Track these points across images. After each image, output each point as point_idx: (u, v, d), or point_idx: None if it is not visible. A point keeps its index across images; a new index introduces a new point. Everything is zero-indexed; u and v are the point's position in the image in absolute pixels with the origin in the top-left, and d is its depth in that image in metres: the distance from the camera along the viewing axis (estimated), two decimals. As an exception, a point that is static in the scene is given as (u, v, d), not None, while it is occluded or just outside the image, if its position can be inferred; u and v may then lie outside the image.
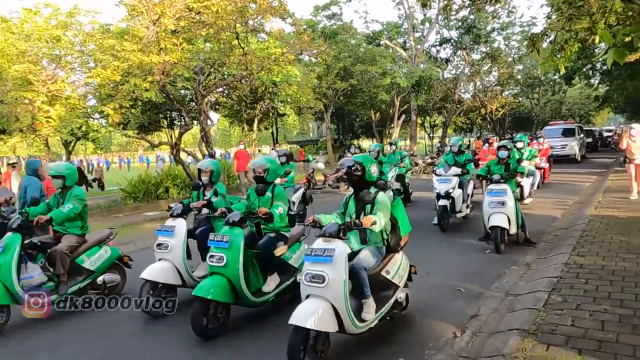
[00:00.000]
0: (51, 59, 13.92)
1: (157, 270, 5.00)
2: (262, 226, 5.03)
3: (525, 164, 9.56)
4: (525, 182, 9.85)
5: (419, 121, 39.73)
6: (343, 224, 3.80)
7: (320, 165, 18.70)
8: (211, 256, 4.45)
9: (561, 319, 4.05)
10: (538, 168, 12.62)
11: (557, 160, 20.03)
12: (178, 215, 5.35)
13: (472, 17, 24.71)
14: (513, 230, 6.91)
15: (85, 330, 4.83)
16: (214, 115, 27.28)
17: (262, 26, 14.62)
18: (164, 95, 12.48)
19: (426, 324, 4.46)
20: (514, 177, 7.32)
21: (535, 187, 11.35)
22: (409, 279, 4.51)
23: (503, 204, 6.78)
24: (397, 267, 4.24)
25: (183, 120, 13.87)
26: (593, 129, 36.57)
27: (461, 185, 8.72)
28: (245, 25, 13.38)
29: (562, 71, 9.76)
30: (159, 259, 5.14)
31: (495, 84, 34.62)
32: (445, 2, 8.28)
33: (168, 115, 20.69)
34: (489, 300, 4.99)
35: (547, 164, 14.27)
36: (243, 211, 4.85)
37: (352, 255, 4.03)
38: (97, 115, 13.47)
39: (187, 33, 12.44)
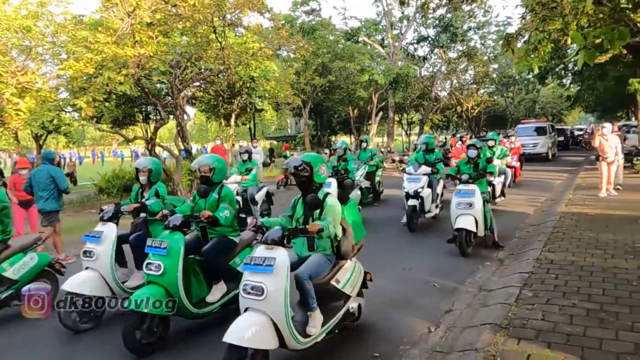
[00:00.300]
0: (21, 50, 13.48)
1: (81, 281, 4.54)
2: (208, 230, 4.64)
3: (496, 162, 9.41)
4: (497, 182, 9.61)
5: (397, 118, 40.07)
6: (287, 230, 3.51)
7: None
8: (148, 264, 4.07)
9: (532, 314, 4.15)
10: (509, 167, 12.57)
11: (529, 159, 20.33)
12: (109, 220, 4.90)
13: (449, 15, 24.99)
14: (481, 232, 6.73)
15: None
16: (190, 110, 26.96)
17: (240, 20, 14.47)
18: (139, 89, 12.24)
19: (401, 319, 4.50)
20: (484, 177, 7.07)
21: (506, 186, 11.21)
22: (364, 286, 4.25)
23: (470, 205, 6.56)
24: (348, 276, 3.96)
25: (158, 114, 13.63)
26: (565, 127, 37.41)
27: (430, 185, 8.53)
28: (223, 19, 13.22)
29: (536, 71, 9.99)
30: (85, 268, 4.69)
31: (471, 83, 35.17)
32: (423, 0, 8.31)
33: (143, 109, 20.31)
34: (463, 295, 5.08)
35: (519, 163, 14.21)
36: (187, 214, 4.50)
37: (300, 263, 3.75)
38: (69, 109, 13.13)
39: (163, 26, 12.21)
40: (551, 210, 9.30)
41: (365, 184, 11.06)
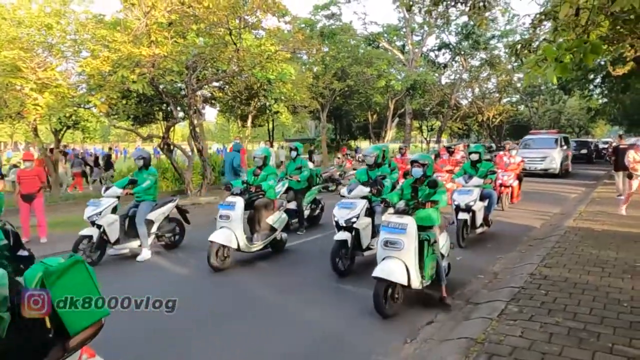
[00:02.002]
0: (44, 46, 13.88)
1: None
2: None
3: (475, 182, 7.98)
4: (477, 207, 7.84)
5: (417, 125, 39.82)
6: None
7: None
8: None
9: (511, 330, 4.05)
10: (504, 186, 11.19)
11: (535, 174, 19.20)
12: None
13: (471, 23, 24.71)
14: (415, 284, 4.75)
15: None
16: (210, 110, 27.24)
17: (259, 22, 14.62)
18: (153, 88, 12.46)
19: (380, 328, 4.46)
20: (423, 208, 5.07)
21: (491, 212, 8.41)
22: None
23: (398, 245, 4.70)
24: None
25: (172, 113, 13.85)
26: (589, 140, 36.27)
27: (371, 212, 6.59)
28: (239, 20, 13.37)
29: (554, 82, 9.78)
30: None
31: (493, 91, 34.68)
32: (427, 8, 8.24)
33: (163, 108, 20.68)
34: (448, 307, 4.99)
35: (517, 182, 12.03)
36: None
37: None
38: (87, 105, 13.45)
39: (178, 27, 12.41)
40: (558, 225, 9.08)
41: (290, 205, 8.85)
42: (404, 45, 28.39)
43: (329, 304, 5.23)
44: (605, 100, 25.70)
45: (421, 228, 4.98)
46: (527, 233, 8.73)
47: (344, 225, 6.19)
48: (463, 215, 7.67)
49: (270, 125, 29.97)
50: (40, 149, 14.90)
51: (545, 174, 19.58)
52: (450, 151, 13.41)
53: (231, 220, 6.49)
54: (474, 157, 8.48)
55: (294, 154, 9.30)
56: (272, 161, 8.91)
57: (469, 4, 9.46)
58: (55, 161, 15.19)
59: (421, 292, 5.12)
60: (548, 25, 11.33)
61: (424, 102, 29.15)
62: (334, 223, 6.35)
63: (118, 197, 7.23)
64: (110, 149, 29.55)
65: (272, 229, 7.25)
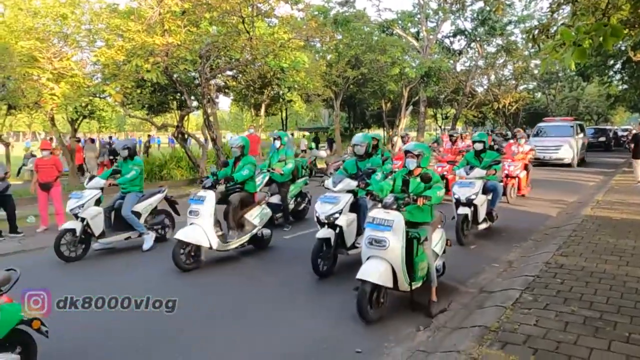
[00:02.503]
0: (59, 36, 13.98)
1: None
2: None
3: (477, 173, 7.35)
4: (479, 201, 7.22)
5: (431, 113, 39.38)
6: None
7: (322, 153, 18.58)
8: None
9: (526, 318, 4.02)
10: (510, 177, 10.58)
11: (549, 164, 18.45)
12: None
13: (487, 8, 24.23)
14: (402, 285, 4.35)
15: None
16: (224, 99, 27.33)
17: (272, 10, 14.51)
18: (167, 77, 12.50)
19: (392, 316, 4.45)
20: (415, 204, 4.50)
21: (495, 206, 7.77)
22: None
23: (383, 244, 4.19)
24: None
25: (185, 103, 13.90)
26: (607, 127, 35.50)
27: (356, 208, 6.02)
28: (252, 8, 13.29)
29: (573, 67, 9.58)
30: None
31: (510, 78, 34.08)
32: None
33: (177, 97, 20.79)
34: (461, 295, 4.98)
35: (525, 172, 11.36)
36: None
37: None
38: (102, 95, 13.57)
39: (192, 15, 12.40)
40: (575, 213, 8.95)
41: (273, 199, 8.38)
42: (418, 32, 27.93)
43: (312, 305, 4.94)
44: (625, 86, 25.08)
45: (412, 225, 4.59)
46: (543, 222, 8.62)
47: (325, 221, 5.65)
48: (463, 210, 7.05)
49: (284, 114, 29.91)
50: (57, 138, 15.09)
51: (560, 165, 18.64)
52: (452, 139, 12.35)
53: (200, 216, 6.01)
54: (478, 146, 7.79)
55: (277, 143, 8.61)
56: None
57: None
58: (72, 150, 15.39)
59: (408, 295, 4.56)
60: (567, 9, 11.10)
61: (438, 90, 28.71)
62: (315, 219, 5.82)
63: (102, 189, 6.97)
64: (149, 136, 30.28)
65: (252, 225, 6.72)
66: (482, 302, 4.66)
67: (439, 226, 5.13)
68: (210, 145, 16.24)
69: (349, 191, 5.93)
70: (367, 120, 39.94)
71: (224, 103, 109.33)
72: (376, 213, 4.39)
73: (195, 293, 5.32)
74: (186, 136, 15.30)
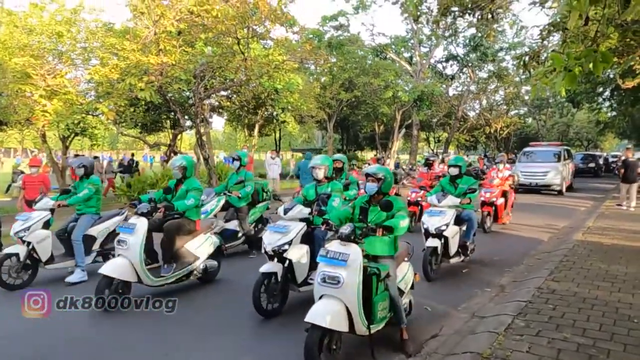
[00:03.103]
0: (54, 54, 14.03)
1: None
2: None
3: (448, 201, 6.69)
4: (450, 233, 6.43)
5: (424, 136, 39.75)
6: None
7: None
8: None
9: (518, 345, 3.95)
10: (486, 204, 9.96)
11: (535, 191, 17.84)
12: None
13: (479, 34, 24.73)
14: (361, 330, 3.76)
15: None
16: (217, 119, 27.46)
17: (268, 32, 14.71)
18: (161, 96, 12.53)
19: (383, 343, 4.36)
20: (373, 235, 3.96)
21: (470, 238, 6.95)
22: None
23: (337, 281, 3.63)
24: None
25: (178, 122, 13.93)
26: (597, 153, 35.87)
27: (310, 239, 5.31)
28: (247, 30, 13.45)
29: (563, 94, 9.72)
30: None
31: (501, 103, 34.59)
32: (435, 18, 8.22)
33: (171, 116, 20.86)
34: (453, 320, 4.90)
35: (503, 199, 10.49)
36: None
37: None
38: (95, 112, 13.55)
39: (187, 36, 12.51)
40: (566, 238, 8.95)
41: (230, 226, 7.68)
42: (411, 57, 28.42)
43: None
44: (614, 113, 25.56)
45: (373, 258, 4.13)
46: (535, 246, 8.60)
47: (272, 254, 4.98)
48: (432, 242, 6.30)
49: (277, 135, 30.06)
50: (47, 155, 15.00)
51: (547, 192, 17.94)
52: (428, 163, 11.35)
53: (129, 247, 5.20)
54: (453, 171, 7.08)
55: (236, 164, 7.95)
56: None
57: (476, 15, 9.47)
58: (63, 168, 15.28)
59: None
60: (557, 37, 11.33)
61: (431, 114, 29.07)
62: (263, 250, 5.09)
63: (52, 210, 6.27)
64: (132, 155, 30.33)
65: (193, 257, 5.89)
66: (474, 328, 4.58)
67: (406, 259, 4.66)
68: (202, 165, 16.22)
69: (302, 219, 5.30)
70: (360, 142, 40.26)
71: (218, 123, 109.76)
72: (330, 245, 3.85)
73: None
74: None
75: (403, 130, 28.49)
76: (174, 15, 11.28)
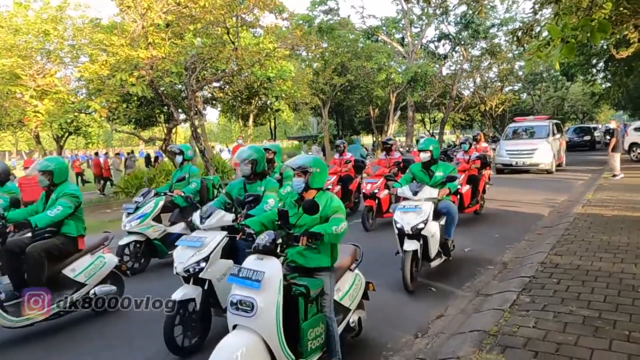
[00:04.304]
0: (42, 53, 13.86)
1: None
2: None
3: (426, 193, 5.56)
4: (430, 231, 5.36)
5: (419, 117, 39.64)
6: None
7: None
8: None
9: (524, 321, 3.96)
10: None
11: (522, 171, 16.45)
12: None
13: (470, 12, 24.53)
14: None
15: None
16: (211, 111, 27.39)
17: (257, 20, 14.54)
18: (153, 90, 12.41)
19: (389, 324, 4.37)
20: (295, 245, 3.17)
21: (451, 235, 5.87)
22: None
23: (250, 308, 2.85)
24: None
25: (171, 115, 13.84)
26: (591, 126, 35.47)
27: (234, 250, 4.34)
28: (236, 19, 13.30)
29: (557, 67, 9.66)
30: None
31: (495, 80, 34.46)
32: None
33: (165, 110, 20.72)
34: (458, 300, 4.91)
35: (468, 187, 8.88)
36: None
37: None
38: (87, 110, 13.44)
39: (175, 28, 12.36)
40: (566, 212, 8.95)
41: (176, 228, 6.65)
42: (403, 38, 28.19)
43: None
44: (608, 84, 25.47)
45: (306, 271, 3.31)
46: (535, 221, 8.61)
47: (185, 275, 3.94)
48: (410, 245, 5.15)
49: (272, 124, 29.93)
50: (42, 156, 14.92)
51: (536, 171, 16.48)
52: (386, 147, 9.63)
53: None
54: (424, 156, 5.95)
55: (178, 159, 7.00)
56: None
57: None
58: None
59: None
60: (548, 11, 11.23)
61: (425, 94, 28.96)
62: (174, 271, 3.98)
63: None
64: (117, 154, 30.45)
65: (75, 285, 4.66)
66: (479, 306, 4.59)
67: (352, 267, 3.88)
68: (199, 157, 16.16)
69: (224, 228, 4.22)
70: (355, 127, 40.17)
71: (212, 115, 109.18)
72: (247, 261, 3.07)
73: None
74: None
75: (398, 113, 28.44)
76: (160, 7, 11.12)
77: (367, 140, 43.42)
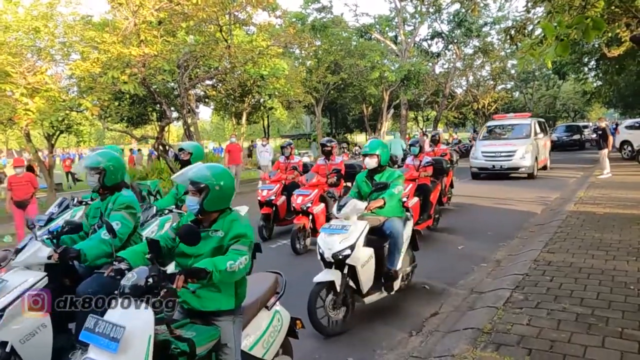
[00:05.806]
0: (33, 50, 13.69)
1: None
2: None
3: (353, 207, 4.39)
4: (360, 259, 4.21)
5: (412, 115, 39.74)
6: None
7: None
8: None
9: (518, 318, 3.97)
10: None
11: (501, 176, 14.56)
12: None
13: (463, 10, 24.61)
14: None
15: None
16: (204, 109, 27.26)
17: (250, 18, 14.49)
18: (145, 88, 12.32)
19: (383, 323, 4.37)
20: (190, 282, 2.29)
21: (395, 263, 4.59)
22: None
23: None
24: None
25: (164, 113, 13.75)
26: (581, 124, 34.67)
27: None
28: (229, 17, 13.24)
29: (549, 65, 9.72)
30: None
31: (487, 79, 34.62)
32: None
33: (157, 108, 20.60)
34: (452, 297, 4.92)
35: (416, 199, 7.18)
36: None
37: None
38: (79, 108, 13.32)
39: (168, 25, 12.28)
40: (559, 210, 9.00)
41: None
42: (396, 36, 28.23)
43: None
44: (600, 83, 25.61)
45: (199, 316, 2.54)
46: (528, 219, 8.65)
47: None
48: (325, 276, 4.07)
49: (266, 122, 29.87)
50: (33, 154, 14.76)
51: (516, 175, 14.67)
52: (326, 150, 7.79)
53: None
54: (370, 162, 4.93)
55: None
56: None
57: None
58: (50, 167, 15.04)
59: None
60: (541, 10, 11.29)
61: (418, 93, 29.04)
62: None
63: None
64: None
65: None
66: (473, 304, 4.60)
67: (269, 304, 2.98)
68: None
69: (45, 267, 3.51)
70: (349, 125, 40.18)
71: (205, 113, 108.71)
72: (110, 310, 2.22)
73: None
74: (167, 147, 15.08)
75: (392, 111, 28.49)
76: (153, 4, 11.04)
77: (360, 138, 43.41)
